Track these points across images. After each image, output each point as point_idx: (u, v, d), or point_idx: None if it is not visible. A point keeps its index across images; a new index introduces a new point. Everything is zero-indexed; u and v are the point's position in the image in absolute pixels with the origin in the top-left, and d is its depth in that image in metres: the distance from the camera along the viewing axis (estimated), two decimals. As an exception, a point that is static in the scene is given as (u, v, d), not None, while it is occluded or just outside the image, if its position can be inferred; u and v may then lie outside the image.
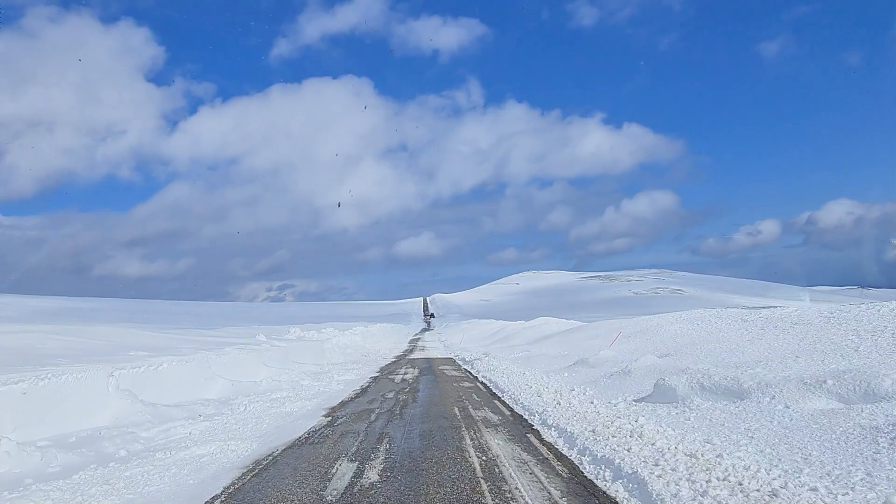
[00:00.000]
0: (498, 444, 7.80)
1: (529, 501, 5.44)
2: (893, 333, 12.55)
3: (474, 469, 6.60)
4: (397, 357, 27.94)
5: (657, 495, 5.11)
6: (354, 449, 7.93)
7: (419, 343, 43.21)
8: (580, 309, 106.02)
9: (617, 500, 5.37)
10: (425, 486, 6.01)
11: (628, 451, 6.51)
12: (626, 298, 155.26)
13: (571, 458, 6.96)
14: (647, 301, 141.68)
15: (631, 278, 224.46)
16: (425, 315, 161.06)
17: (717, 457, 5.96)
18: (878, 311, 15.13)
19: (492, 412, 10.52)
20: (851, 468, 5.87)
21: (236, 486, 6.36)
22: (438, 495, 5.67)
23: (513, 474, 6.33)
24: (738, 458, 5.97)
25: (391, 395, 13.71)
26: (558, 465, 6.73)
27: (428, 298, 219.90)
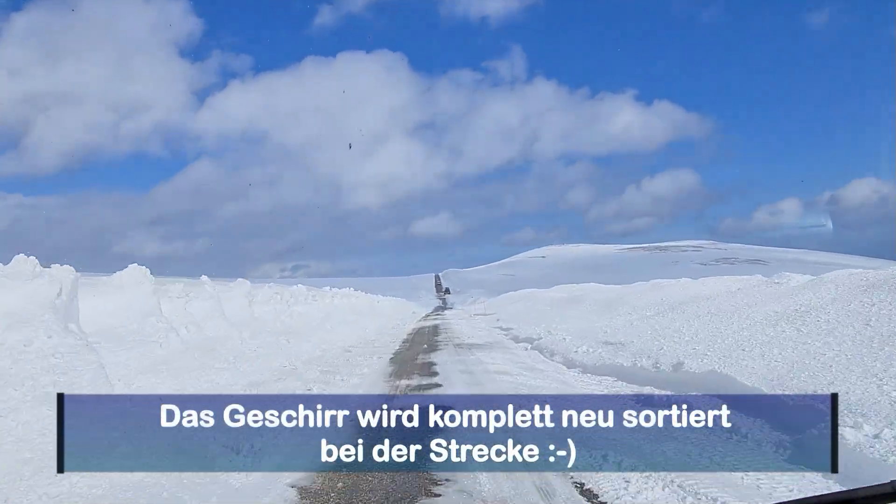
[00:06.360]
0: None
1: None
2: None
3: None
4: None
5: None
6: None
7: (440, 363, 10.61)
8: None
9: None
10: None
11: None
12: (694, 269, 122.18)
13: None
14: (734, 271, 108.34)
15: (685, 248, 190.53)
16: (438, 291, 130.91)
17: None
18: None
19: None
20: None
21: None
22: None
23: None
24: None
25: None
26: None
27: (440, 274, 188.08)
